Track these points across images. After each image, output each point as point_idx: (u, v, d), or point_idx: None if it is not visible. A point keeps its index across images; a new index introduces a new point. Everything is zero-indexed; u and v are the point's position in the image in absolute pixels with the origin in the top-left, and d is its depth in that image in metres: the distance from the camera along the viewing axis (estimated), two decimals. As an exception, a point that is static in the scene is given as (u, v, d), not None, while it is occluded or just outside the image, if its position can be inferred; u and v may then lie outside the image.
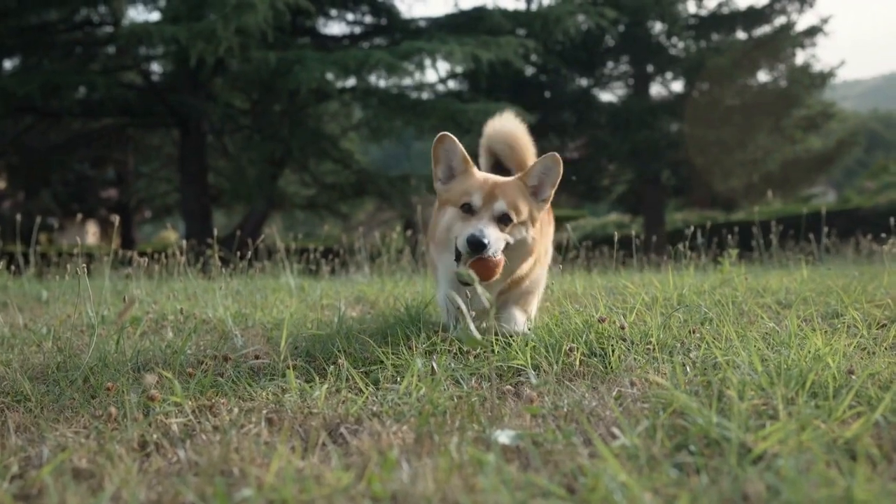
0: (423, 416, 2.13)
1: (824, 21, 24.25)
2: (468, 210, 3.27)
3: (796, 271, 6.28)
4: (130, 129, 22.20)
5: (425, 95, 20.20)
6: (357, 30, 21.04)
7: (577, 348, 2.94)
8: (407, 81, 18.90)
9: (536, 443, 1.97)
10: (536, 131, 4.26)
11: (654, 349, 2.94)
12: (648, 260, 9.51)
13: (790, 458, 1.69)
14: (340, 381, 2.70)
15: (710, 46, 24.72)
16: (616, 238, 5.06)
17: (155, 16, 18.24)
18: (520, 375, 2.78)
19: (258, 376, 2.83)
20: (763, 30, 24.81)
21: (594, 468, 1.68)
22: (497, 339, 3.03)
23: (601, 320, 3.21)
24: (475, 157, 3.89)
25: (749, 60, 24.07)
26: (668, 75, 25.88)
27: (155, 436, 2.16)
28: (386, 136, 18.81)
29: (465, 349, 3.05)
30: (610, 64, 25.95)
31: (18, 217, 7.66)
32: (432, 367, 2.64)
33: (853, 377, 2.30)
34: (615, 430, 2.00)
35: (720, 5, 24.88)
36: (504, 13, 18.90)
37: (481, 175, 3.44)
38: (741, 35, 25.13)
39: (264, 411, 2.37)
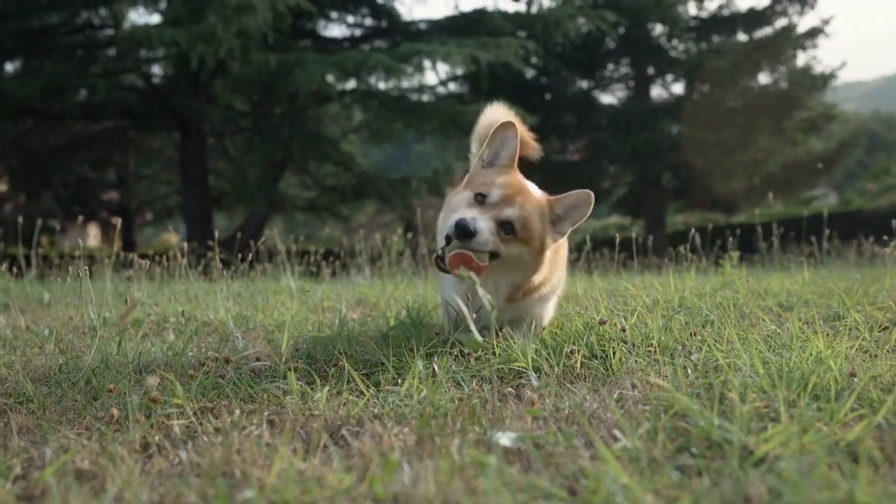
0: (424, 418, 2.13)
1: (825, 22, 24.28)
2: (480, 201, 3.08)
3: (798, 274, 6.28)
4: (131, 131, 22.24)
5: (426, 98, 20.21)
6: (357, 32, 21.07)
7: (579, 350, 2.94)
8: (407, 84, 18.93)
9: (538, 445, 1.97)
10: (537, 133, 4.17)
11: (655, 351, 2.94)
12: (649, 262, 9.50)
13: (792, 460, 1.69)
14: (342, 383, 2.70)
15: (711, 48, 24.74)
16: (617, 240, 5.06)
17: (156, 18, 18.22)
18: (521, 378, 2.78)
19: (259, 378, 2.83)
20: (764, 31, 24.84)
21: (596, 470, 1.68)
22: (498, 343, 3.02)
23: (602, 322, 3.21)
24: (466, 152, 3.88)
25: (750, 62, 24.09)
26: (669, 77, 25.91)
27: (157, 437, 2.16)
28: (386, 138, 18.81)
29: (466, 351, 3.05)
30: (610, 66, 25.98)
31: (20, 219, 7.67)
32: (433, 369, 2.64)
33: (855, 380, 2.30)
34: (616, 433, 2.00)
35: (721, 7, 24.91)
36: (504, 15, 18.91)
37: (516, 179, 3.21)
38: (742, 37, 25.17)
39: (266, 413, 2.37)
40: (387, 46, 19.21)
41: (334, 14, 20.48)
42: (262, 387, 2.64)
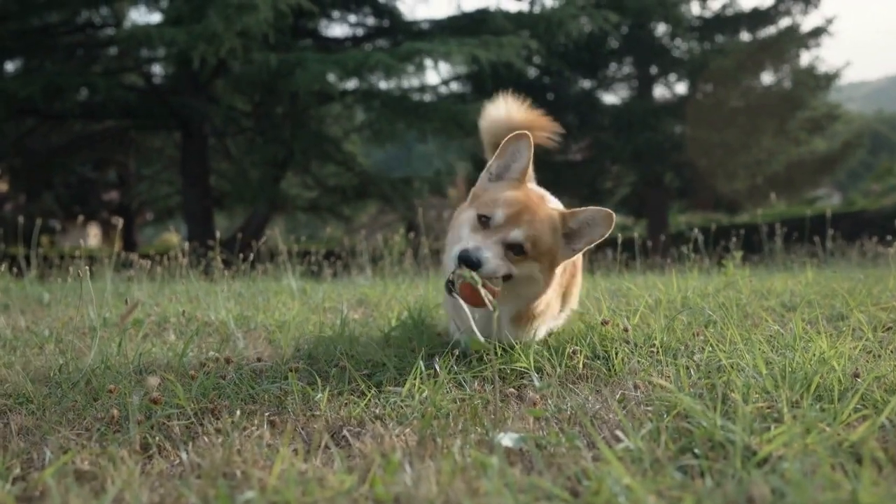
0: (425, 418, 2.12)
1: (829, 22, 24.23)
2: (484, 223, 2.90)
3: (801, 274, 6.26)
4: (132, 131, 22.24)
5: (428, 98, 20.21)
6: (359, 32, 21.06)
7: (581, 351, 2.93)
8: (408, 83, 18.92)
9: (540, 446, 1.96)
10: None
11: (657, 352, 2.93)
12: (652, 262, 9.49)
13: (795, 461, 1.68)
14: (343, 383, 2.69)
15: (714, 48, 24.70)
16: (619, 241, 5.05)
17: (158, 17, 18.23)
18: (523, 378, 2.77)
19: (260, 379, 2.83)
20: (768, 31, 24.80)
21: (598, 471, 1.67)
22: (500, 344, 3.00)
23: (604, 323, 3.20)
24: (480, 156, 3.76)
25: (753, 62, 24.07)
26: (672, 77, 25.87)
27: (157, 438, 2.15)
28: (388, 138, 18.80)
29: (468, 352, 3.04)
30: (613, 66, 25.96)
31: (20, 219, 7.67)
32: (435, 369, 2.63)
33: (858, 380, 2.29)
34: (619, 433, 2.00)
35: (724, 7, 24.87)
36: (507, 15, 18.90)
37: (524, 195, 3.01)
38: (745, 36, 25.12)
39: (267, 414, 2.37)
40: (389, 46, 19.20)
41: (336, 13, 20.48)
42: (263, 387, 2.64)
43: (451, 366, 2.74)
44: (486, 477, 1.68)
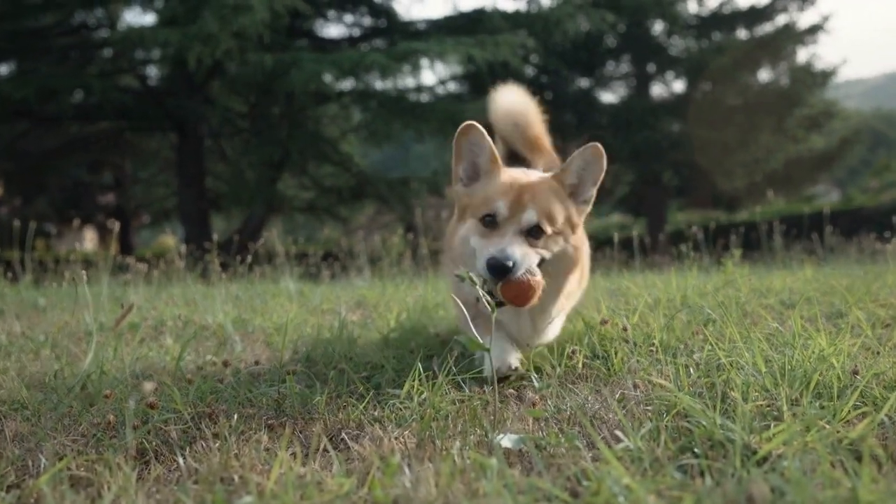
0: (424, 420, 2.12)
1: (825, 19, 24.25)
2: (490, 223, 2.74)
3: (800, 271, 6.26)
4: (127, 133, 22.19)
5: (425, 98, 20.19)
6: (356, 32, 21.05)
7: (580, 351, 2.93)
8: (404, 83, 18.91)
9: (539, 446, 1.96)
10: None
11: (657, 351, 2.92)
12: (651, 261, 9.49)
13: (795, 459, 1.67)
14: (341, 386, 2.68)
15: (712, 46, 24.72)
16: (616, 240, 5.04)
17: (152, 18, 18.18)
18: (522, 379, 2.77)
19: (258, 382, 2.82)
20: (765, 28, 24.84)
21: (597, 471, 1.66)
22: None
23: (604, 322, 3.19)
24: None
25: (751, 59, 24.12)
26: (670, 75, 25.91)
27: (154, 443, 2.14)
28: (385, 139, 18.79)
29: (466, 353, 3.03)
30: (611, 64, 25.99)
31: (15, 223, 7.65)
32: (433, 371, 2.62)
33: (858, 377, 2.28)
34: (618, 433, 1.99)
35: (721, 5, 24.91)
36: (504, 15, 18.90)
37: (508, 177, 2.87)
38: (742, 34, 25.15)
39: (264, 417, 2.36)
40: (385, 46, 19.19)
41: (332, 13, 20.47)
42: (261, 391, 2.63)
43: (450, 367, 2.73)
44: (485, 478, 1.67)
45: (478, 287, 2.23)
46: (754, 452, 1.77)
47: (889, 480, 1.60)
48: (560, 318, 3.15)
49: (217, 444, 2.09)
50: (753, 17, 24.72)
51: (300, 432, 2.25)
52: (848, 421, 2.00)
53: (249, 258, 5.92)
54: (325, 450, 2.02)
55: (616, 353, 2.89)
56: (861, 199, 29.89)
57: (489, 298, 2.52)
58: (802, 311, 3.60)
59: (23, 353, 3.78)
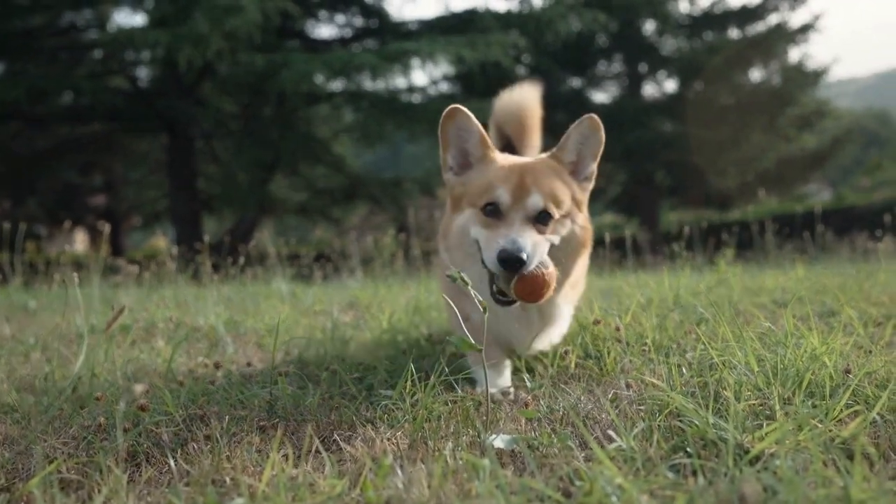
0: (417, 421, 2.11)
1: (817, 18, 24.34)
2: (493, 212, 2.57)
3: (792, 270, 6.27)
4: (118, 134, 22.11)
5: (417, 98, 20.19)
6: (347, 33, 21.03)
7: (573, 351, 2.92)
8: (396, 83, 18.91)
9: (532, 447, 1.95)
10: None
11: (649, 350, 2.92)
12: (643, 260, 9.50)
13: (787, 458, 1.67)
14: (334, 387, 2.67)
15: (704, 45, 24.78)
16: (608, 240, 5.04)
17: (142, 19, 18.13)
18: (515, 379, 2.76)
19: (250, 384, 2.81)
20: (756, 28, 24.91)
21: (590, 471, 1.66)
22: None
23: (596, 322, 3.19)
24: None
25: (742, 59, 24.18)
26: (662, 75, 25.96)
27: (145, 445, 2.13)
28: (377, 139, 18.78)
29: (458, 353, 3.03)
30: (602, 64, 26.03)
31: (5, 225, 7.61)
32: (426, 371, 2.62)
33: (850, 376, 2.28)
34: (611, 433, 1.98)
35: (713, 4, 24.96)
36: (496, 15, 18.91)
37: (505, 161, 2.72)
38: (734, 33, 25.21)
39: (256, 419, 2.35)
40: (377, 47, 19.18)
41: (323, 14, 20.44)
42: (253, 392, 2.62)
43: (443, 368, 2.73)
44: (477, 479, 1.67)
45: (469, 287, 2.16)
46: (747, 451, 1.77)
47: (881, 479, 1.60)
48: (567, 313, 3.00)
49: (209, 446, 2.08)
50: (745, 16, 24.79)
51: (292, 434, 2.24)
52: (840, 420, 2.01)
53: (241, 259, 5.90)
54: (317, 451, 2.01)
55: (609, 353, 2.89)
56: (853, 198, 29.96)
57: (499, 297, 2.53)
58: (795, 310, 3.61)
59: (13, 356, 3.76)
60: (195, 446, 2.11)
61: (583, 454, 1.88)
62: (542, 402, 2.39)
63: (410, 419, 2.21)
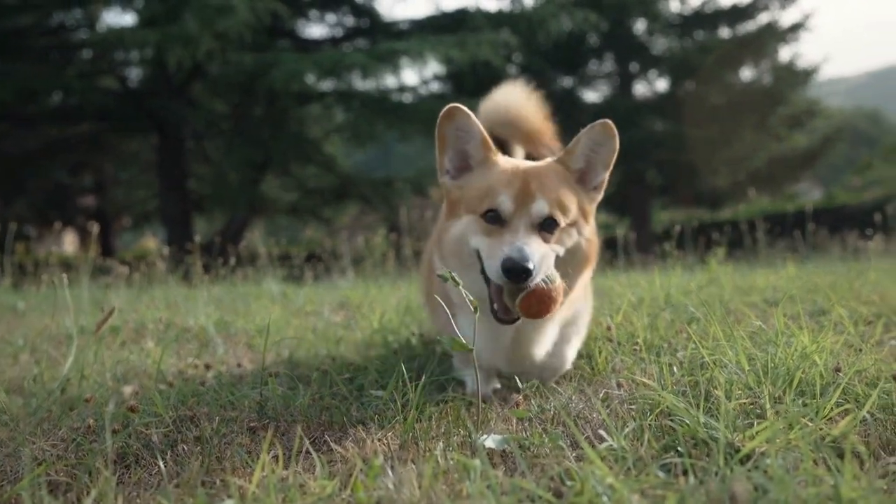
0: (408, 421, 2.10)
1: (807, 17, 24.43)
2: (495, 219, 2.38)
3: (783, 269, 6.29)
4: (108, 134, 22.02)
5: (408, 98, 20.18)
6: (338, 32, 21.01)
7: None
8: (386, 83, 18.90)
9: (523, 447, 1.95)
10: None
11: (640, 350, 2.93)
12: (635, 260, 9.51)
13: (778, 456, 1.67)
14: (324, 387, 2.66)
15: (695, 45, 24.84)
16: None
17: (132, 18, 18.04)
18: (505, 379, 2.76)
19: (240, 384, 2.80)
20: (747, 27, 24.97)
21: (581, 471, 1.66)
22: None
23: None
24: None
25: (733, 58, 24.25)
26: (653, 74, 26.00)
27: (135, 447, 2.12)
28: (368, 139, 18.79)
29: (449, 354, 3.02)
30: (594, 63, 26.04)
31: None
32: (417, 372, 2.61)
33: (840, 374, 2.29)
34: (602, 433, 1.99)
35: (704, 3, 25.01)
36: (487, 15, 18.92)
37: (508, 164, 2.53)
38: (725, 33, 25.27)
39: (246, 420, 2.34)
40: (368, 47, 19.16)
41: (314, 13, 20.41)
42: (243, 393, 2.61)
43: (433, 368, 2.72)
44: (468, 479, 1.66)
45: (461, 288, 2.09)
46: (737, 450, 1.77)
47: (871, 477, 1.60)
48: (575, 338, 2.81)
49: (198, 448, 2.08)
50: (736, 15, 24.84)
51: (282, 435, 2.23)
52: (830, 418, 2.01)
53: (232, 260, 5.89)
54: (308, 452, 2.00)
55: (600, 353, 2.89)
56: (844, 196, 30.09)
57: (500, 315, 2.32)
58: (785, 308, 3.61)
59: (1, 358, 3.74)
60: (185, 448, 2.10)
61: (574, 454, 1.88)
62: (533, 402, 2.39)
63: (401, 420, 2.20)
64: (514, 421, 2.22)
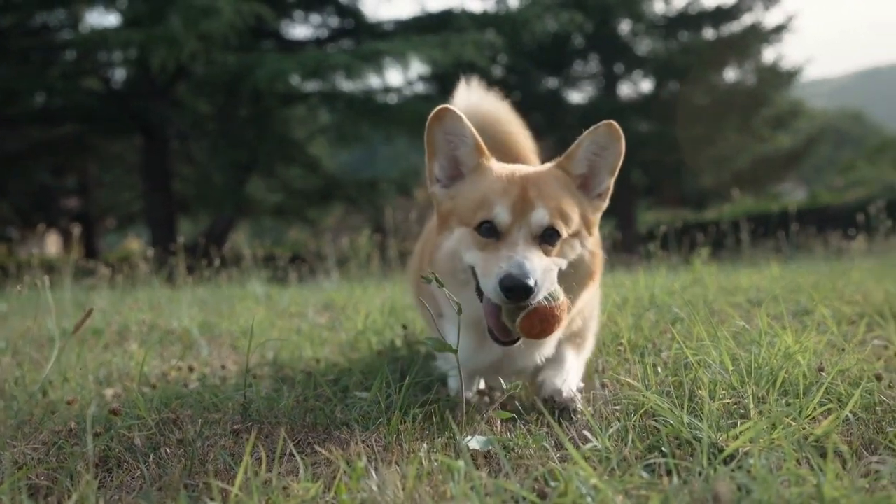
0: (391, 423, 2.10)
1: (790, 18, 24.59)
2: (490, 232, 2.18)
3: (767, 269, 6.32)
4: (92, 136, 21.88)
5: (393, 99, 20.17)
6: (323, 33, 20.97)
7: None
8: (371, 84, 18.87)
9: (507, 448, 1.95)
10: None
11: (625, 350, 2.93)
12: (619, 260, 9.53)
13: (761, 456, 1.68)
14: (308, 389, 2.65)
15: (679, 46, 24.96)
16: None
17: (116, 19, 17.92)
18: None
19: (224, 386, 2.78)
20: (731, 28, 25.11)
21: (565, 472, 1.65)
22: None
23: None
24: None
25: (717, 59, 24.39)
26: (637, 75, 26.10)
27: (117, 450, 2.11)
28: (353, 140, 18.78)
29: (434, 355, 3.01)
30: (578, 64, 26.13)
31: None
32: (401, 373, 2.60)
33: (823, 374, 2.30)
34: (587, 433, 1.99)
35: (688, 4, 25.13)
36: (471, 16, 18.92)
37: (503, 170, 2.31)
38: (709, 34, 25.40)
39: (230, 422, 2.33)
40: (353, 47, 19.13)
41: (298, 14, 20.36)
42: (227, 395, 2.59)
43: (418, 369, 2.72)
44: (452, 481, 1.66)
45: (451, 297, 2.02)
46: (721, 450, 1.78)
47: (853, 477, 1.61)
48: (577, 357, 2.58)
49: (181, 451, 2.06)
50: (720, 16, 24.98)
51: (266, 437, 2.22)
52: (813, 418, 2.02)
53: (216, 261, 5.86)
54: (291, 454, 1.99)
55: (584, 353, 2.88)
56: (827, 197, 30.32)
57: (498, 337, 2.15)
58: (769, 308, 3.63)
59: (-17, 360, 3.70)
60: (168, 450, 2.08)
61: (558, 455, 1.88)
62: (517, 403, 2.38)
63: (385, 421, 2.19)
64: (499, 422, 2.22)
